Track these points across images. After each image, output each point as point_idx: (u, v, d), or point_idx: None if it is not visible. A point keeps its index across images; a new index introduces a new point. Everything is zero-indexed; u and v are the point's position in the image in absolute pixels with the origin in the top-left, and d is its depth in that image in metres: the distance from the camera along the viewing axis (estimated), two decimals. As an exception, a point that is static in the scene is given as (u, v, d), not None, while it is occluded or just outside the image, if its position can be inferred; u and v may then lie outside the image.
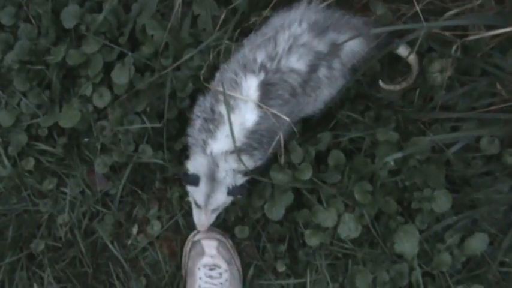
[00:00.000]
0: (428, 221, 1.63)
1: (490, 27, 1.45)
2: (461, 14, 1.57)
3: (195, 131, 1.50)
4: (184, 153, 1.67)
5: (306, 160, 1.62)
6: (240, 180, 1.49)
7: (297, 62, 1.46)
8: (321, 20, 1.49)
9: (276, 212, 1.62)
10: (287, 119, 1.47)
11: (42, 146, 1.71)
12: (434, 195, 1.60)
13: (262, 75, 1.47)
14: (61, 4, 1.73)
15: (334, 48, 1.49)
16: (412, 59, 1.60)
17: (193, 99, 1.62)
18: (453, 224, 1.64)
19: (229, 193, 1.47)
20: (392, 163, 1.61)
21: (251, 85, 1.47)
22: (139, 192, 1.71)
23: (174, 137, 1.68)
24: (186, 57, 1.62)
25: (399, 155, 1.56)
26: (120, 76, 1.65)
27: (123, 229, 1.72)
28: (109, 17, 1.68)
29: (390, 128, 1.65)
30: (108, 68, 1.68)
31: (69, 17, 1.70)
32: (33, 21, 1.75)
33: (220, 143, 1.45)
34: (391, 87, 1.68)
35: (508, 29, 1.41)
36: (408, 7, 1.68)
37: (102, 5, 1.73)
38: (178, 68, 1.65)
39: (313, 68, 1.48)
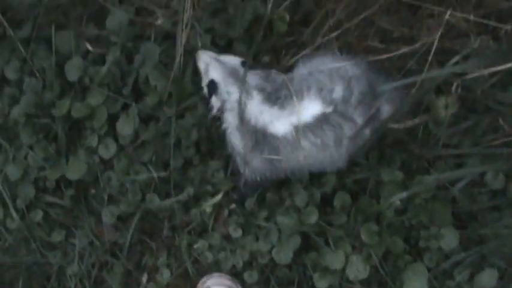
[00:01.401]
0: (437, 258, 1.69)
1: (489, 65, 1.51)
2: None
3: None
4: (191, 201, 1.73)
5: (311, 203, 1.68)
6: None
7: (359, 117, 1.56)
8: (375, 84, 1.59)
9: (284, 255, 1.69)
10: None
11: (50, 198, 1.79)
12: (441, 232, 1.66)
13: (329, 109, 1.55)
14: (64, 57, 1.81)
15: (378, 112, 1.59)
16: None
17: (198, 147, 1.69)
18: (462, 260, 1.70)
19: None
20: (398, 202, 1.66)
21: (312, 108, 1.56)
22: (148, 240, 1.77)
23: (180, 185, 1.73)
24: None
25: (404, 195, 1.62)
26: (125, 127, 1.73)
27: (133, 278, 1.79)
28: (112, 68, 1.77)
29: (395, 167, 1.70)
30: (112, 119, 1.75)
31: (73, 69, 1.78)
32: (37, 74, 1.83)
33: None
34: (399, 125, 1.73)
35: (508, 65, 1.47)
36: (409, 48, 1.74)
37: (105, 57, 1.79)
38: (182, 117, 1.71)
39: (364, 125, 1.57)
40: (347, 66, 1.60)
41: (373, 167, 1.73)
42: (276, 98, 1.57)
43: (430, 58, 1.56)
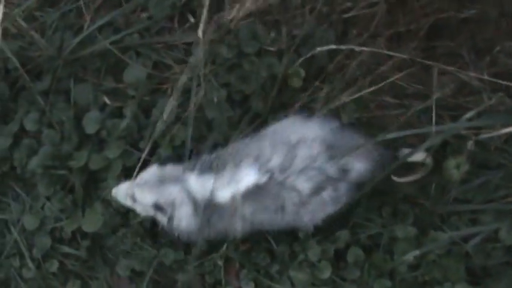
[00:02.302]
0: (450, 314, 1.71)
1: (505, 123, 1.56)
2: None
3: None
4: (205, 254, 1.77)
5: (325, 258, 1.72)
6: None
7: (304, 183, 1.59)
8: (336, 143, 1.62)
9: (298, 310, 1.72)
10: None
11: (66, 249, 1.85)
12: (455, 288, 1.69)
13: (264, 179, 1.59)
14: (83, 110, 1.89)
15: (343, 173, 1.62)
16: (425, 156, 1.70)
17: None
18: (476, 316, 1.71)
19: None
20: (411, 258, 1.69)
21: (247, 179, 1.59)
22: (162, 293, 1.81)
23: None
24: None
25: (417, 252, 1.66)
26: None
27: (147, 331, 1.81)
28: (130, 122, 1.81)
29: (408, 222, 1.74)
30: (128, 171, 1.80)
31: (91, 122, 1.85)
32: (56, 126, 1.89)
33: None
34: (405, 179, 1.78)
35: (523, 125, 1.52)
36: (420, 104, 1.78)
37: (122, 110, 1.86)
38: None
39: (318, 190, 1.61)
40: (309, 128, 1.65)
41: (386, 223, 1.77)
42: (209, 167, 1.63)
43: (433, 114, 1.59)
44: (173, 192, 1.64)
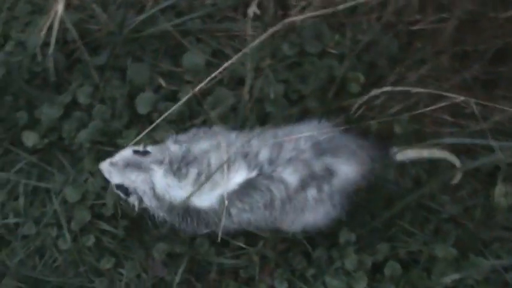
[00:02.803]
0: None
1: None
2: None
3: None
4: (240, 248, 1.78)
5: (362, 268, 1.72)
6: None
7: (291, 175, 1.59)
8: (323, 142, 1.61)
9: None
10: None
11: (105, 226, 1.86)
12: (490, 316, 1.69)
13: (253, 174, 1.60)
14: (137, 89, 1.90)
15: (328, 173, 1.61)
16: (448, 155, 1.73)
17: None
18: None
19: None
20: (449, 281, 1.69)
21: (236, 177, 1.60)
22: (194, 282, 1.81)
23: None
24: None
25: (457, 276, 1.66)
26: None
27: (175, 316, 1.83)
28: (183, 107, 1.82)
29: (449, 243, 1.74)
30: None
31: (144, 103, 1.87)
32: (108, 103, 1.90)
33: None
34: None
35: None
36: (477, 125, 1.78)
37: (176, 94, 1.87)
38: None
39: (303, 186, 1.60)
40: (298, 126, 1.67)
41: (427, 240, 1.77)
42: (179, 167, 1.61)
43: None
44: (136, 180, 1.65)
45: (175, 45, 1.96)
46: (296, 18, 1.80)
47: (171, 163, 1.63)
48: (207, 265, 1.87)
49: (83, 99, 1.96)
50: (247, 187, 1.61)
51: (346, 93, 1.87)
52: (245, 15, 1.94)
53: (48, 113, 1.95)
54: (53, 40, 1.93)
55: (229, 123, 1.87)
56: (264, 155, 1.61)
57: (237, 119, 1.87)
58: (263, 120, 1.88)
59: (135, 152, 1.68)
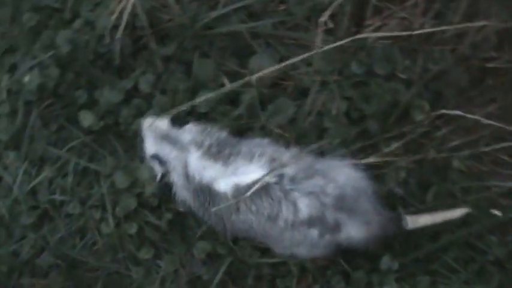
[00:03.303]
0: None
1: None
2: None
3: None
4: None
5: (401, 297, 1.73)
6: None
7: (304, 206, 1.62)
8: (347, 197, 1.63)
9: None
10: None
11: (149, 216, 1.88)
12: None
13: (271, 179, 1.62)
14: (199, 84, 1.91)
15: (335, 226, 1.64)
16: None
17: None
18: None
19: None
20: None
21: (256, 174, 1.64)
22: (231, 285, 1.83)
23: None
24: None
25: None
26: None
27: (207, 316, 1.85)
28: (243, 110, 1.82)
29: (492, 286, 1.73)
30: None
31: (205, 101, 1.85)
32: (169, 94, 1.92)
33: None
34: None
35: None
36: None
37: (238, 95, 1.87)
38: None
39: (309, 223, 1.63)
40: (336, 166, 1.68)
41: (469, 280, 1.77)
42: (217, 152, 1.67)
43: None
44: (170, 155, 1.71)
45: (244, 46, 1.97)
46: (368, 35, 1.82)
47: (210, 147, 1.68)
48: (245, 269, 1.88)
49: (144, 86, 1.98)
50: (261, 189, 1.63)
51: (408, 119, 1.86)
52: (318, 25, 1.94)
53: (108, 96, 1.97)
54: (122, 24, 1.95)
55: (286, 133, 1.87)
56: (289, 170, 1.64)
57: (294, 130, 1.87)
58: (320, 135, 1.88)
59: (173, 121, 1.75)
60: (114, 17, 1.95)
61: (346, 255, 1.82)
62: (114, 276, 1.93)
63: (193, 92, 1.95)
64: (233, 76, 1.97)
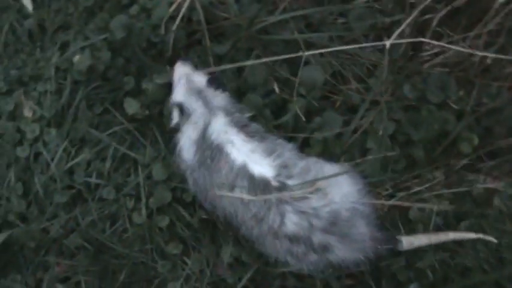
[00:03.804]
0: None
1: None
2: None
3: None
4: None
5: None
6: None
7: (291, 223, 1.65)
8: (341, 219, 1.65)
9: None
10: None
11: (182, 211, 1.88)
12: None
13: (274, 183, 1.66)
14: (249, 87, 1.92)
15: (322, 249, 1.66)
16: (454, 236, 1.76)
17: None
18: None
19: None
20: None
21: (260, 167, 1.69)
22: (254, 290, 1.85)
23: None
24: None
25: None
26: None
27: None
28: (289, 119, 1.82)
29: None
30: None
31: (252, 104, 1.89)
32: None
33: None
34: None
35: None
36: None
37: (286, 102, 1.88)
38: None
39: (293, 239, 1.66)
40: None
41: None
42: (241, 128, 1.73)
43: None
44: (197, 110, 1.76)
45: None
46: (427, 54, 1.80)
47: (238, 121, 1.75)
48: (270, 279, 1.88)
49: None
50: (260, 184, 1.66)
51: (455, 150, 1.85)
52: (374, 41, 1.94)
53: (156, 86, 1.97)
54: (179, 17, 1.95)
55: (328, 148, 1.87)
56: (293, 181, 1.65)
57: (337, 146, 1.87)
58: (363, 154, 1.88)
59: (209, 82, 1.81)
60: (172, 9, 1.96)
61: (375, 276, 1.82)
62: (139, 267, 1.94)
63: (241, 94, 1.95)
64: (283, 83, 1.97)
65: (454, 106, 1.86)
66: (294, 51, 1.91)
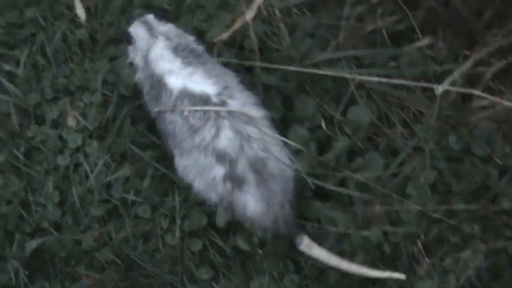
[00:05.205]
0: None
1: None
2: None
3: None
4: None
5: None
6: None
7: (225, 139, 1.77)
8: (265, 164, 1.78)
9: None
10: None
11: (215, 237, 1.90)
12: None
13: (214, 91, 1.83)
14: (296, 120, 1.93)
15: (239, 182, 1.77)
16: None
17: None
18: None
19: None
20: None
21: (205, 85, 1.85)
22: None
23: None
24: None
25: None
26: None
27: None
28: (332, 158, 1.87)
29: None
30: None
31: (296, 137, 1.95)
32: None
33: None
34: None
35: None
36: None
37: (331, 141, 1.93)
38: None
39: (219, 160, 1.78)
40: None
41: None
42: (181, 52, 1.88)
43: None
44: (140, 36, 1.95)
45: (345, 92, 1.99)
46: (476, 106, 1.83)
47: (178, 45, 1.90)
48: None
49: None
50: (202, 100, 1.79)
51: (495, 205, 1.87)
52: (424, 90, 1.97)
53: (201, 110, 2.01)
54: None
55: (367, 189, 1.89)
56: (238, 104, 1.80)
57: (375, 188, 1.90)
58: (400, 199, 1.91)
59: (156, 16, 1.98)
60: (226, 35, 2.00)
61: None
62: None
63: (286, 125, 1.98)
64: (329, 120, 2.01)
65: (498, 161, 1.89)
66: (343, 89, 1.96)
